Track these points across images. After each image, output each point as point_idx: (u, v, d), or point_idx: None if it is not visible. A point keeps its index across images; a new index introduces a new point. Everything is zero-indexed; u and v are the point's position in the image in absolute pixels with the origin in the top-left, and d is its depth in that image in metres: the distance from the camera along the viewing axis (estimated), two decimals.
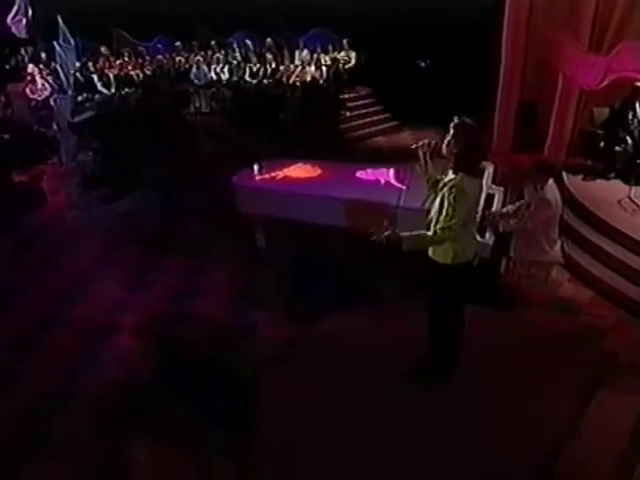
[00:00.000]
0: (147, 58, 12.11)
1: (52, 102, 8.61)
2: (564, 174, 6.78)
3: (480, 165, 3.15)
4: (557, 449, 2.97)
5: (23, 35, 8.50)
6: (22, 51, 8.54)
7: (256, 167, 5.39)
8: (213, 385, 3.72)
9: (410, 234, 3.09)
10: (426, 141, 3.33)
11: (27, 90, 8.50)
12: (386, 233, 2.99)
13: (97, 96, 10.56)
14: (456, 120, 3.01)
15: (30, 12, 8.98)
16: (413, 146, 3.38)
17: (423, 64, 11.60)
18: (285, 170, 5.27)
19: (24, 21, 8.70)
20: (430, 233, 3.08)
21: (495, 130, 9.19)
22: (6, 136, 8.21)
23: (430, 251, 3.30)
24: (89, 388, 3.84)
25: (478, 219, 4.31)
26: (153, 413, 3.58)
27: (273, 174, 5.23)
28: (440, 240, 3.06)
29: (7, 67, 8.12)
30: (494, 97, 9.05)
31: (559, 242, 4.71)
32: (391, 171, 4.95)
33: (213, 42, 12.47)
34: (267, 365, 3.87)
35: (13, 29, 9.02)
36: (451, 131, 3.01)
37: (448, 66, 10.11)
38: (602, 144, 6.97)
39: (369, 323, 4.27)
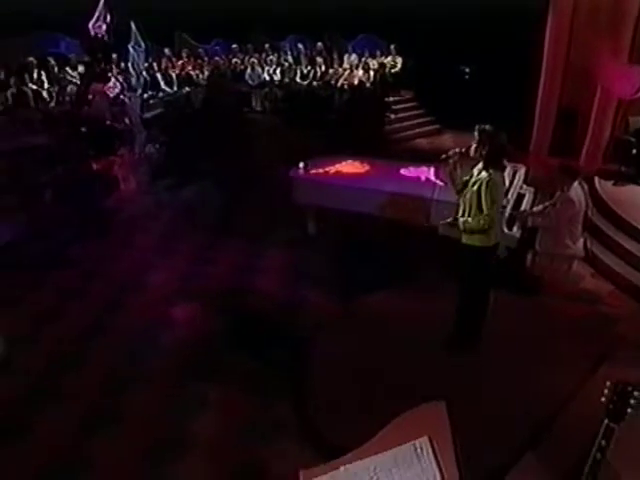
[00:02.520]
0: (206, 59, 13.02)
1: (126, 99, 9.58)
2: (596, 178, 7.19)
3: (504, 160, 3.72)
4: (560, 406, 3.54)
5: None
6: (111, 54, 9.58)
7: (302, 165, 6.10)
8: (274, 341, 4.50)
9: (465, 228, 3.78)
10: (457, 150, 3.94)
11: (104, 88, 9.49)
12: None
13: (161, 94, 11.52)
14: (478, 127, 3.63)
15: (109, 18, 9.96)
16: (443, 157, 3.97)
17: (466, 70, 12.06)
18: (336, 166, 5.96)
19: (104, 27, 9.70)
20: (482, 222, 3.66)
21: (534, 135, 9.61)
22: (84, 129, 9.22)
23: (464, 237, 3.91)
24: (169, 340, 4.64)
25: (507, 213, 4.91)
26: (225, 361, 4.36)
27: (325, 169, 5.92)
28: (485, 226, 3.65)
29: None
30: (534, 104, 9.47)
31: (582, 239, 5.22)
32: (431, 169, 5.57)
33: (267, 45, 13.28)
34: (317, 328, 4.59)
35: (93, 33, 10.05)
36: (476, 137, 3.62)
37: (490, 73, 10.55)
38: (635, 151, 7.32)
39: (406, 300, 4.90)
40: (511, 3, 14.19)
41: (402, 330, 4.36)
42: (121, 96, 10.26)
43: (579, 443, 2.87)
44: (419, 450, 2.18)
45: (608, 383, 1.96)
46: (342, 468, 2.07)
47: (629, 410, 1.92)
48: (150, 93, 11.29)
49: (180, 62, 12.50)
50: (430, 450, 2.19)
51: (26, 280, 5.75)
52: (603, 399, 1.96)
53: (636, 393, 1.92)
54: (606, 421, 1.96)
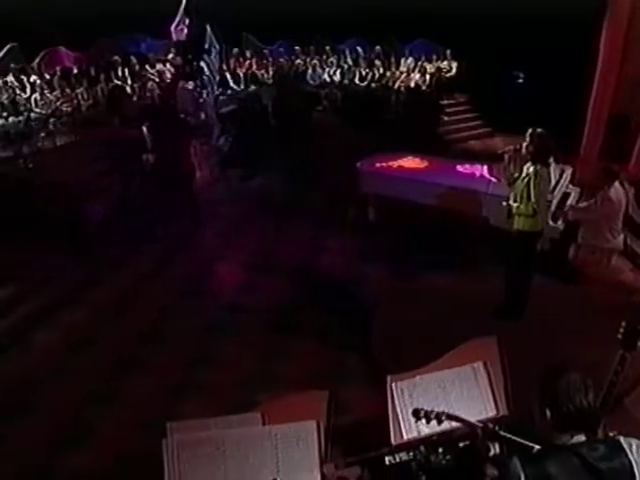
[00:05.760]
0: (270, 60, 13.93)
1: (204, 96, 10.56)
2: None
3: (549, 159, 4.38)
4: (587, 370, 4.15)
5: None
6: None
7: (358, 164, 6.87)
8: (343, 304, 5.33)
9: (519, 218, 4.48)
10: (511, 147, 4.63)
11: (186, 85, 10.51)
12: None
13: (229, 91, 12.49)
14: (531, 130, 4.32)
15: (187, 21, 10.98)
16: (500, 151, 4.69)
17: (520, 75, 12.51)
18: (398, 161, 6.72)
19: (185, 30, 10.74)
20: (530, 209, 4.37)
21: (584, 139, 9.98)
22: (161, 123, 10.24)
23: (516, 224, 4.61)
24: (254, 302, 5.50)
25: (553, 208, 5.52)
26: (303, 320, 5.20)
27: (389, 163, 6.68)
28: (532, 212, 4.38)
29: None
30: (586, 109, 9.83)
31: (622, 234, 5.74)
32: (485, 167, 6.23)
33: (328, 47, 14.07)
34: (379, 296, 5.38)
35: (174, 36, 11.12)
36: (528, 138, 4.32)
37: (543, 78, 10.98)
38: None
39: (458, 279, 5.58)
40: (567, 10, 14.47)
41: (454, 302, 5.05)
42: (195, 93, 11.29)
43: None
44: (476, 370, 2.90)
45: (623, 323, 2.62)
46: (418, 377, 2.81)
47: (639, 343, 2.58)
48: (220, 90, 12.31)
49: (247, 62, 13.49)
50: (485, 372, 2.91)
51: (125, 249, 6.78)
52: (619, 336, 2.63)
53: None
54: (621, 351, 2.63)
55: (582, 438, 1.78)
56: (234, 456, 2.32)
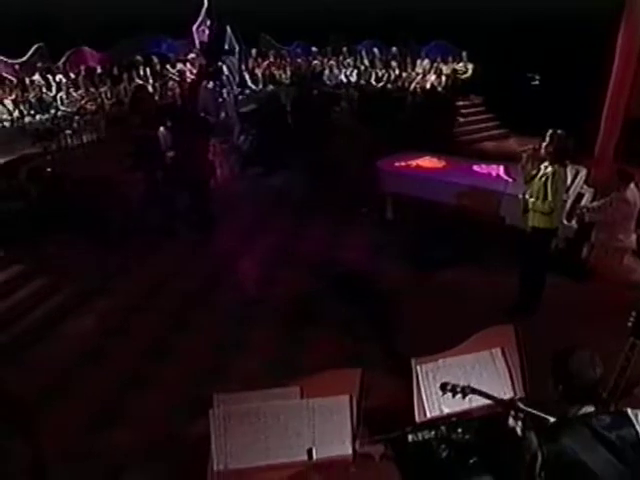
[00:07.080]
0: (287, 60, 14.16)
1: (224, 95, 10.81)
2: None
3: (567, 159, 4.58)
4: None
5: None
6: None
7: (378, 163, 7.06)
8: (362, 297, 5.54)
9: (534, 215, 4.68)
10: (530, 146, 4.83)
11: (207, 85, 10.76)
12: None
13: (247, 91, 12.74)
14: (551, 130, 4.51)
15: (209, 23, 11.24)
16: (519, 150, 4.88)
17: (535, 77, 12.63)
18: (416, 160, 6.92)
19: (207, 31, 11.01)
20: (546, 206, 4.58)
21: (598, 141, 10.07)
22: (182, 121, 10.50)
23: (531, 221, 4.80)
24: (274, 294, 5.75)
25: (567, 207, 5.69)
26: (321, 313, 5.42)
27: (407, 162, 6.89)
28: (549, 209, 4.59)
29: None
30: (601, 111, 9.93)
31: (634, 234, 5.89)
32: (501, 167, 6.41)
33: (344, 48, 14.27)
34: (395, 291, 5.61)
35: (196, 37, 11.41)
36: (547, 138, 4.52)
37: (558, 81, 11.10)
38: None
39: (473, 276, 5.77)
40: (583, 11, 14.53)
41: (469, 297, 5.25)
42: (215, 93, 11.55)
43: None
44: (494, 356, 3.10)
45: (634, 312, 2.81)
46: (440, 360, 3.02)
47: None
48: (240, 90, 12.57)
49: (265, 62, 13.72)
50: (502, 358, 3.11)
51: (148, 244, 7.02)
52: (629, 324, 2.81)
53: None
54: (632, 339, 2.81)
55: (591, 409, 1.99)
56: (274, 426, 2.55)
